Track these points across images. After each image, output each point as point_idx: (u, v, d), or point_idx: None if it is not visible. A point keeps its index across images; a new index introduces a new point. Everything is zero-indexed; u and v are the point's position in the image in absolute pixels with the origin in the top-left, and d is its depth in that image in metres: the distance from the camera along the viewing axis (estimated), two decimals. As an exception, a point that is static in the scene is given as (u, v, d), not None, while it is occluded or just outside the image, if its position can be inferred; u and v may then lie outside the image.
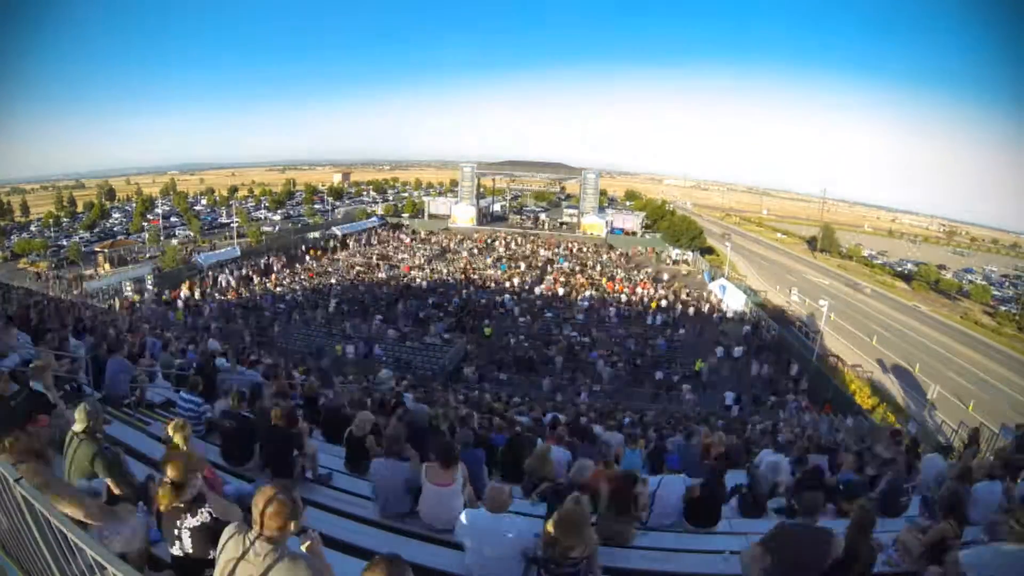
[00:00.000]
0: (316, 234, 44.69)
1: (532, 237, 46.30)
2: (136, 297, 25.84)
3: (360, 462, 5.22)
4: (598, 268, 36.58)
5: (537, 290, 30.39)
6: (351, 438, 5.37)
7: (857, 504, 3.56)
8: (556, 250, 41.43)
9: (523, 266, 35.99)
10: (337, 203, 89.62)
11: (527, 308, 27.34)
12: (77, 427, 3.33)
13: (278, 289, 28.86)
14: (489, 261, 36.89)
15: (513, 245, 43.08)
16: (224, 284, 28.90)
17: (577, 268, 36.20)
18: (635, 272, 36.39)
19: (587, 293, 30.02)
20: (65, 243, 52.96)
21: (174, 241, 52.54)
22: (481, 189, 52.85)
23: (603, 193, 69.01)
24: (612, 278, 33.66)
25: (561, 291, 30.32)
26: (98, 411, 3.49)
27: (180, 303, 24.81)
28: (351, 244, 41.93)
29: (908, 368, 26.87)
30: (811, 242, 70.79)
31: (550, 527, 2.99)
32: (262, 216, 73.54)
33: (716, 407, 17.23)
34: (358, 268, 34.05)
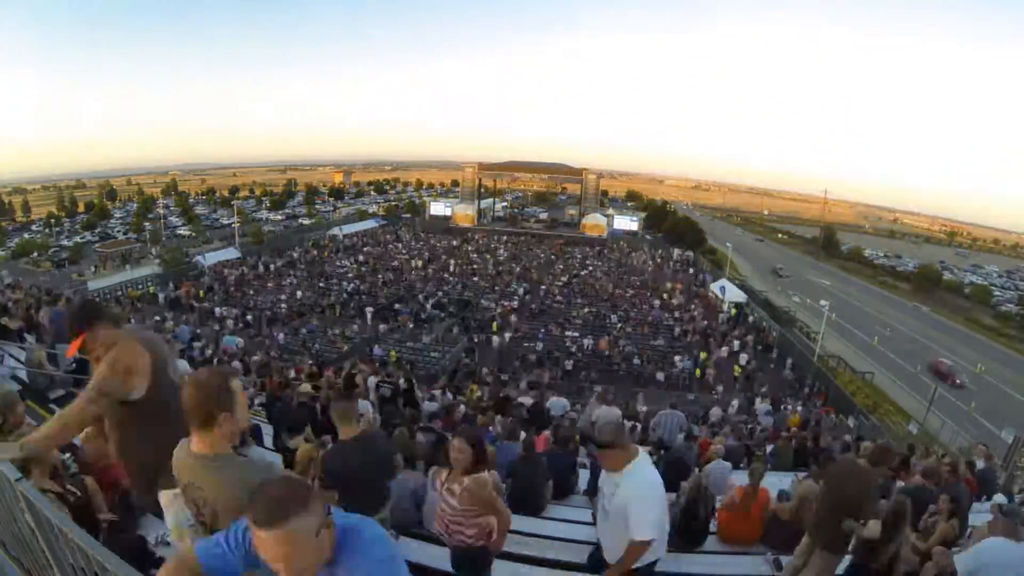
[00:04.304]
0: (317, 234, 44.74)
1: (533, 237, 46.33)
2: (136, 293, 25.96)
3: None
4: (599, 269, 36.58)
5: (538, 291, 30.36)
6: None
7: (898, 497, 3.60)
8: (557, 251, 41.45)
9: (523, 267, 35.98)
10: (338, 203, 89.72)
11: (528, 309, 27.33)
12: None
13: (281, 289, 28.85)
14: (490, 261, 36.89)
15: (514, 247, 43.06)
16: (224, 284, 28.93)
17: (578, 269, 36.20)
18: (635, 272, 36.38)
19: (584, 295, 30.00)
20: (66, 243, 53.07)
21: (175, 239, 52.64)
22: (482, 190, 52.87)
23: (604, 194, 69.14)
24: (613, 279, 33.63)
25: (561, 292, 30.31)
26: (11, 401, 3.13)
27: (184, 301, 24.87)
28: (352, 244, 41.97)
29: (910, 368, 26.87)
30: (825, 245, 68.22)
31: None
32: (263, 216, 73.60)
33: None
34: (359, 268, 34.05)
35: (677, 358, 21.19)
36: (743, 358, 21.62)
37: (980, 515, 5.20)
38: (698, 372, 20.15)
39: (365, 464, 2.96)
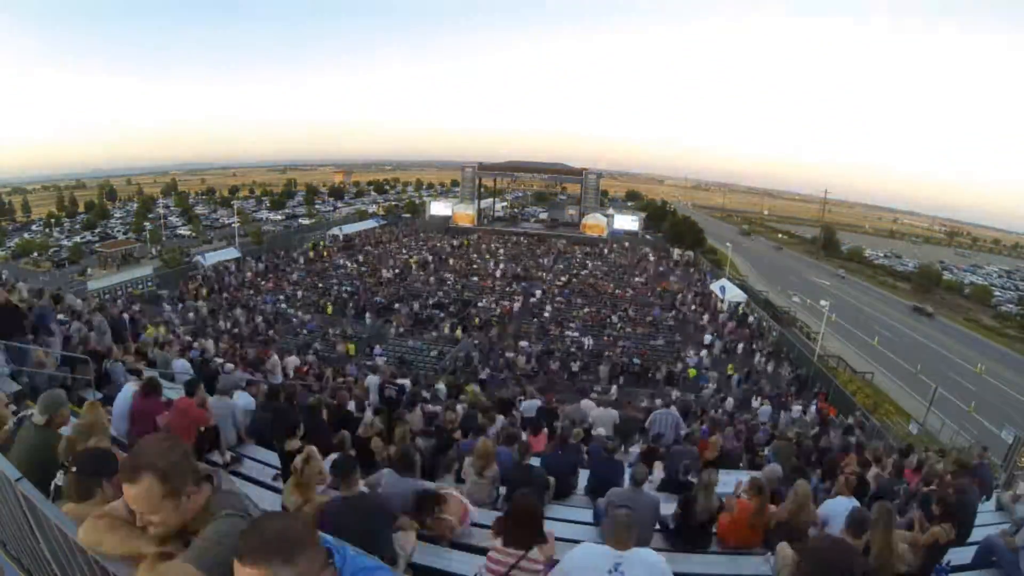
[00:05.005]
0: (317, 234, 44.72)
1: (533, 237, 46.30)
2: (136, 291, 26.00)
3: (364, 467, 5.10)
4: (599, 269, 36.55)
5: (538, 292, 30.36)
6: (357, 440, 5.33)
7: (879, 505, 3.57)
8: (557, 251, 41.41)
9: (523, 267, 35.95)
10: (338, 203, 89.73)
11: (528, 309, 27.32)
12: (38, 420, 3.01)
13: (281, 289, 28.83)
14: (490, 261, 36.87)
15: (514, 247, 43.02)
16: (224, 284, 28.91)
17: (578, 269, 36.18)
18: (636, 273, 36.36)
19: (583, 295, 29.97)
20: (66, 243, 53.05)
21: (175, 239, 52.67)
22: (482, 190, 52.84)
23: (604, 194, 69.02)
24: (613, 279, 33.60)
25: (561, 292, 30.29)
26: (60, 403, 3.13)
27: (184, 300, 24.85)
28: (351, 244, 41.93)
29: (910, 368, 26.83)
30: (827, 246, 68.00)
31: None
32: (263, 216, 73.56)
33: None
34: (359, 268, 34.02)
35: (677, 360, 21.21)
36: (742, 356, 21.66)
37: (980, 515, 5.21)
38: (692, 373, 20.15)
39: (363, 521, 2.94)
